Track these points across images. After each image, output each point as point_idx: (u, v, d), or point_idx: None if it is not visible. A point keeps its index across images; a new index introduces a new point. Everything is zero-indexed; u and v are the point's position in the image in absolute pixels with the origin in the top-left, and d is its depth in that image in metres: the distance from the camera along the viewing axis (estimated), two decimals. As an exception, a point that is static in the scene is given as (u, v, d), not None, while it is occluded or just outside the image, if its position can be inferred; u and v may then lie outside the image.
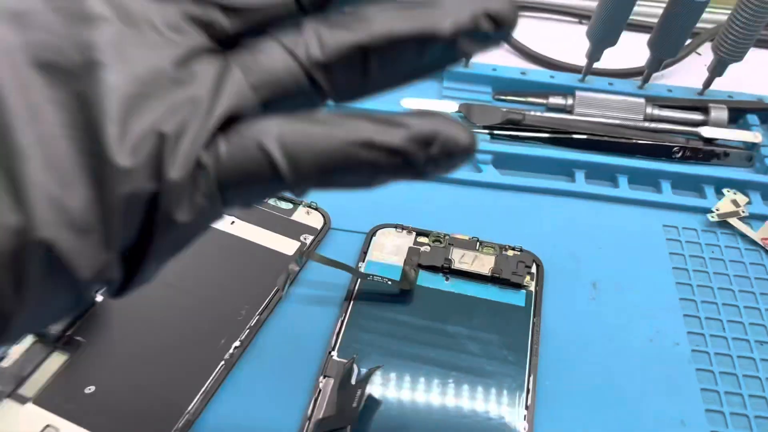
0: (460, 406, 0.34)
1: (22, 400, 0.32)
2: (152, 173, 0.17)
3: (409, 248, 0.41)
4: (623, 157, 0.48)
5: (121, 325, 0.36)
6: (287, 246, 0.41)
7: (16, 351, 0.34)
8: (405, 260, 0.40)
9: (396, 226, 0.42)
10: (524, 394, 0.34)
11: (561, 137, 0.49)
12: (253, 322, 0.36)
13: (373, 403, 0.33)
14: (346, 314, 0.37)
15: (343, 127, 0.18)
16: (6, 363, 0.33)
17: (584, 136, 0.48)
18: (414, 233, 0.42)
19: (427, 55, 0.18)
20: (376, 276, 0.38)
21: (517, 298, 0.39)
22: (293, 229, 0.42)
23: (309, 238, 0.41)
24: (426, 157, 0.18)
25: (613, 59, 0.54)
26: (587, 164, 0.47)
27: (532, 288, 0.40)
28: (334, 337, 0.36)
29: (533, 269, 0.41)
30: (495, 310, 0.38)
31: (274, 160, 0.17)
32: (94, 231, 0.16)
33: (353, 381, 0.33)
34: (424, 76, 0.20)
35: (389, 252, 0.41)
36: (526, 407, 0.34)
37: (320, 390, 0.34)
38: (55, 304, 0.18)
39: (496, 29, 0.18)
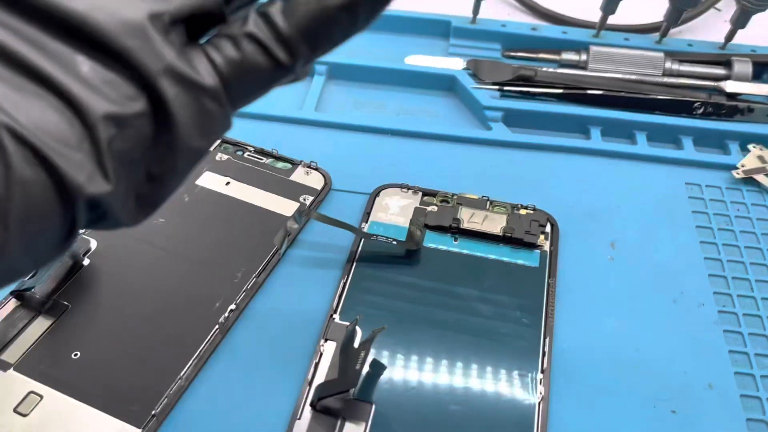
0: (472, 369, 0.32)
1: (4, 366, 0.30)
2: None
3: (415, 209, 0.39)
4: (641, 113, 0.45)
5: (109, 290, 0.34)
6: (286, 207, 0.38)
7: (-1, 316, 0.32)
8: (411, 220, 0.38)
9: (401, 186, 0.40)
10: (540, 357, 0.32)
11: (575, 93, 0.46)
12: (249, 285, 0.34)
13: (377, 367, 0.31)
14: (348, 276, 0.35)
15: None
16: (-14, 328, 0.31)
17: (600, 92, 0.46)
18: (420, 193, 0.40)
19: None
20: (380, 236, 0.36)
21: (530, 259, 0.37)
22: (292, 190, 0.39)
23: (309, 199, 0.39)
24: None
25: (628, 14, 0.51)
26: (603, 120, 0.45)
27: (547, 248, 0.37)
28: (336, 299, 0.34)
29: (547, 228, 0.38)
30: (507, 270, 0.36)
31: (267, 46, 0.18)
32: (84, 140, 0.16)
33: (356, 344, 0.31)
34: None
35: (394, 213, 0.39)
36: (542, 370, 0.32)
37: (321, 354, 0.32)
38: (48, 231, 0.16)
39: None
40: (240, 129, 0.42)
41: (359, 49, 0.51)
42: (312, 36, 0.19)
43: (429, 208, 0.39)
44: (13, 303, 0.33)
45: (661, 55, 0.48)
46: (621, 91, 0.46)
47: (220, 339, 0.32)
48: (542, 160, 0.43)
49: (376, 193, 0.40)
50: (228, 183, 0.39)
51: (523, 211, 0.39)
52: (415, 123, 0.45)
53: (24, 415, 0.29)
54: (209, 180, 0.39)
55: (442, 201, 0.39)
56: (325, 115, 0.45)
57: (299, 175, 0.40)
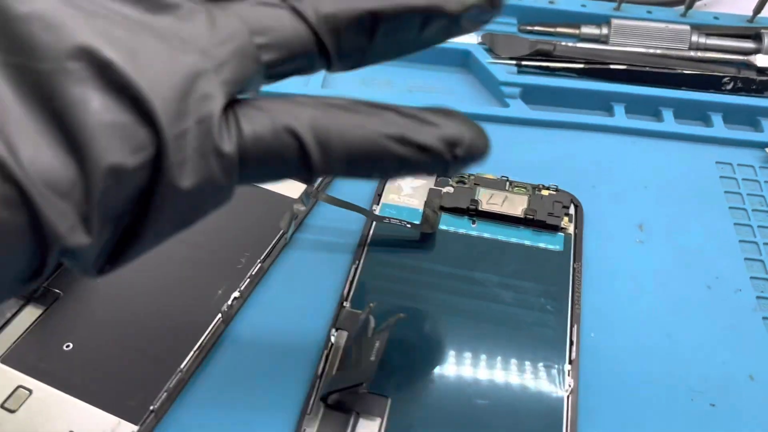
0: (495, 360, 0.29)
1: None
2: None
3: (430, 190, 0.37)
4: (667, 89, 0.43)
5: (103, 277, 0.31)
6: (292, 188, 0.36)
7: (-16, 304, 0.29)
8: (425, 202, 0.35)
9: (414, 166, 0.38)
10: (567, 347, 0.30)
11: (597, 68, 0.43)
12: (254, 271, 0.32)
13: (394, 357, 0.29)
14: (359, 261, 0.33)
15: (376, 118, 0.18)
16: (-28, 317, 0.29)
17: (623, 67, 0.43)
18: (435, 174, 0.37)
19: (430, 28, 0.19)
20: (393, 219, 0.34)
21: (554, 242, 0.34)
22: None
23: (316, 182, 0.37)
24: (452, 157, 0.19)
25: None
26: (627, 97, 0.42)
27: (571, 230, 0.35)
28: (347, 286, 0.32)
29: (571, 210, 0.36)
30: (529, 254, 0.34)
31: (305, 145, 0.17)
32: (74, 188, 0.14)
33: (369, 333, 0.29)
34: (421, 49, 0.20)
35: (407, 194, 0.36)
36: (570, 361, 0.29)
37: (332, 344, 0.29)
38: (13, 271, 0.15)
39: (492, 8, 0.19)
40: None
41: (367, 24, 0.48)
42: (355, 162, 0.18)
43: (444, 189, 0.36)
44: (1, 291, 0.30)
45: (687, 28, 0.45)
46: (645, 66, 0.44)
47: (223, 329, 0.30)
48: (563, 138, 0.41)
49: (388, 174, 0.37)
50: None
51: (545, 192, 0.36)
52: (427, 100, 0.42)
53: (12, 411, 0.26)
54: None
55: (458, 182, 0.37)
56: (332, 92, 0.42)
57: None
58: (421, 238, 0.34)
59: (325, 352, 0.29)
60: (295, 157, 0.17)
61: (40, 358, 0.28)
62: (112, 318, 0.30)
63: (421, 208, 0.35)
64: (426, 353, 0.29)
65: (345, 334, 0.30)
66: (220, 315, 0.30)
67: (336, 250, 0.34)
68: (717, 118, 0.42)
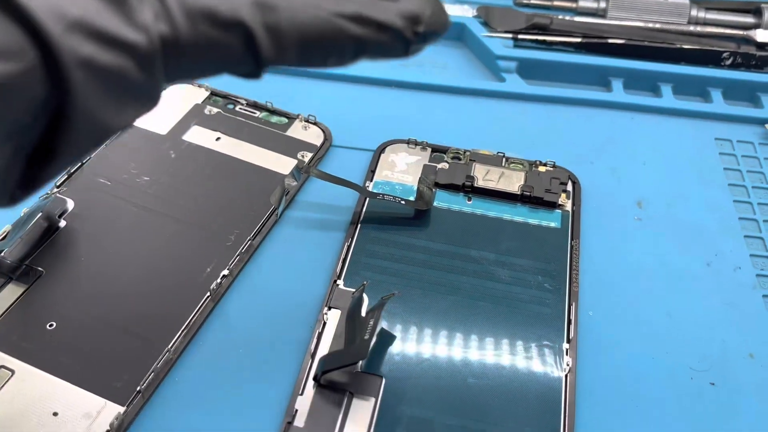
0: (491, 340, 0.29)
1: None
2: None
3: (424, 166, 0.36)
4: (666, 63, 0.42)
5: (88, 254, 0.30)
6: (283, 165, 0.35)
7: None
8: (420, 179, 0.34)
9: (408, 142, 0.37)
10: (565, 326, 0.29)
11: (595, 42, 0.42)
12: (243, 248, 0.31)
13: (387, 337, 0.28)
14: (352, 239, 0.32)
15: None
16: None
17: (621, 41, 0.42)
18: (429, 149, 0.36)
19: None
20: (387, 195, 0.33)
21: (551, 219, 0.33)
22: (289, 146, 0.36)
23: (308, 156, 0.36)
24: (413, 34, 0.18)
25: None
26: (625, 71, 0.41)
27: (569, 207, 0.34)
28: (340, 264, 0.31)
29: (569, 187, 0.35)
30: (526, 232, 0.33)
31: (251, 30, 0.15)
32: None
33: (363, 312, 0.28)
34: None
35: (401, 170, 0.36)
36: (568, 340, 0.29)
37: (325, 323, 0.29)
38: None
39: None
40: (230, 80, 0.39)
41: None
42: (308, 46, 0.17)
43: (439, 166, 0.35)
44: (-21, 268, 0.29)
45: (686, 1, 0.44)
46: (644, 40, 0.43)
47: (212, 307, 0.29)
48: (561, 114, 0.40)
49: (381, 150, 0.36)
50: (218, 138, 0.36)
51: (542, 168, 0.35)
52: (421, 74, 0.41)
53: None
54: (197, 135, 0.36)
55: (453, 158, 0.36)
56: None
57: (296, 130, 0.37)
58: (416, 215, 0.33)
59: (318, 330, 0.28)
60: (238, 45, 0.16)
61: (22, 338, 0.27)
62: (96, 297, 0.29)
63: (415, 184, 0.34)
64: (421, 332, 0.29)
65: (338, 312, 0.29)
66: (208, 294, 0.29)
67: (328, 227, 0.33)
68: (716, 94, 0.41)
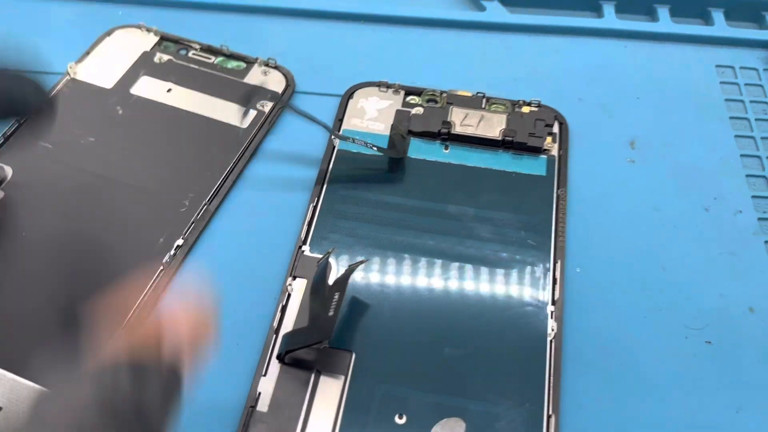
0: (470, 304, 0.26)
1: None
2: None
3: (397, 111, 0.33)
4: (664, -19, 0.38)
5: (29, 228, 0.28)
6: (238, 114, 0.32)
7: None
8: (392, 125, 0.31)
9: (379, 85, 0.33)
10: (550, 286, 0.27)
11: (584, -40, 0.38)
12: (199, 214, 0.28)
13: (357, 307, 0.26)
14: (318, 198, 0.29)
15: None
16: None
17: (613, -42, 0.38)
18: (402, 92, 0.33)
19: None
20: (357, 139, 0.30)
21: (536, 166, 0.31)
22: (247, 94, 0.33)
23: (268, 105, 0.32)
24: None
25: None
26: (618, -6, 0.37)
27: (555, 152, 0.31)
28: (305, 228, 0.28)
29: (555, 128, 0.32)
30: (509, 182, 0.30)
31: None
32: None
33: (330, 281, 0.25)
34: None
35: (371, 117, 0.32)
36: (553, 302, 0.26)
37: (289, 294, 0.26)
38: None
39: None
40: (181, 22, 0.35)
41: None
42: None
43: (413, 111, 0.32)
44: None
45: None
46: (638, -44, 0.38)
47: (166, 282, 0.27)
48: (547, 44, 0.36)
49: (350, 95, 0.33)
50: (170, 90, 0.33)
51: (525, 109, 0.32)
52: (391, 5, 0.37)
53: None
54: (147, 87, 0.33)
55: (428, 101, 0.33)
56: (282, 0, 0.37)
57: (255, 76, 0.34)
58: (389, 167, 0.30)
59: (281, 304, 0.26)
60: None
61: None
62: (38, 277, 0.26)
63: (387, 133, 0.31)
64: (394, 300, 0.26)
65: (303, 282, 0.27)
66: (161, 268, 0.27)
67: (291, 187, 0.30)
68: (718, 15, 0.38)
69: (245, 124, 0.30)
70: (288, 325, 0.26)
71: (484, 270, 0.27)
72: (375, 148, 0.30)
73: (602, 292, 0.27)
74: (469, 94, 0.33)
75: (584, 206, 0.30)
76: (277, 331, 0.25)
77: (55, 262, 0.27)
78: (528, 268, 0.27)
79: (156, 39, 0.35)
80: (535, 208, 0.29)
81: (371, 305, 0.26)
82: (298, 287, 0.27)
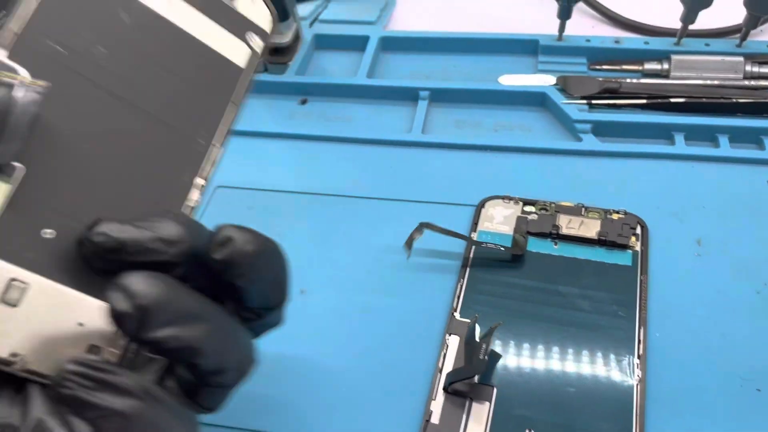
0: (576, 356, 0.37)
1: None
2: None
3: (518, 217, 0.45)
4: (723, 116, 0.49)
5: (65, 148, 0.24)
6: (233, 49, 0.29)
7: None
8: (515, 228, 0.44)
9: (503, 198, 0.46)
10: (636, 345, 0.37)
11: (658, 102, 0.50)
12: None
13: (495, 356, 0.37)
14: (464, 279, 0.41)
15: None
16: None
17: (682, 99, 0.50)
18: (521, 203, 0.45)
19: None
20: (489, 243, 0.42)
21: (623, 258, 0.42)
22: (237, 24, 0.29)
23: (255, 38, 0.30)
24: None
25: (709, 18, 0.54)
26: (686, 126, 0.48)
27: (638, 248, 0.42)
28: (456, 299, 0.40)
29: (638, 230, 0.43)
30: (603, 270, 0.41)
31: None
32: None
33: (477, 337, 0.37)
34: None
35: (499, 222, 0.45)
36: (638, 356, 0.37)
37: (447, 346, 0.38)
38: None
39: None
40: (354, 152, 0.49)
41: (456, 71, 0.57)
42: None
43: (530, 217, 0.44)
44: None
45: (740, 59, 0.51)
46: (703, 96, 0.50)
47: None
48: (630, 166, 0.48)
49: (482, 205, 0.46)
50: (171, 1, 0.28)
51: (615, 216, 0.44)
52: (511, 138, 0.50)
53: (13, 306, 0.21)
54: None
55: (541, 209, 0.45)
56: (431, 137, 0.51)
57: (244, 3, 0.30)
58: (513, 258, 0.42)
59: (443, 351, 0.38)
60: None
61: (23, 245, 0.22)
62: (86, 202, 0.24)
63: (510, 233, 0.43)
64: (521, 351, 0.38)
65: (456, 338, 0.39)
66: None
67: (443, 270, 0.42)
68: (768, 141, 0.48)
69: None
70: (448, 367, 0.37)
71: (585, 332, 0.38)
72: (503, 249, 0.42)
73: (676, 351, 0.37)
74: (572, 204, 0.44)
75: (661, 288, 0.40)
76: (441, 370, 0.37)
77: (97, 190, 0.24)
78: (619, 332, 0.38)
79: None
80: (624, 289, 0.40)
81: (505, 354, 0.38)
82: (453, 341, 0.39)
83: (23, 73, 0.23)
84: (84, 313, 0.23)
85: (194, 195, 0.27)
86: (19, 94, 0.21)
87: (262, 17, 0.31)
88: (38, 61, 0.24)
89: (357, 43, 0.58)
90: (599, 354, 0.37)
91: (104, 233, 0.22)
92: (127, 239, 0.22)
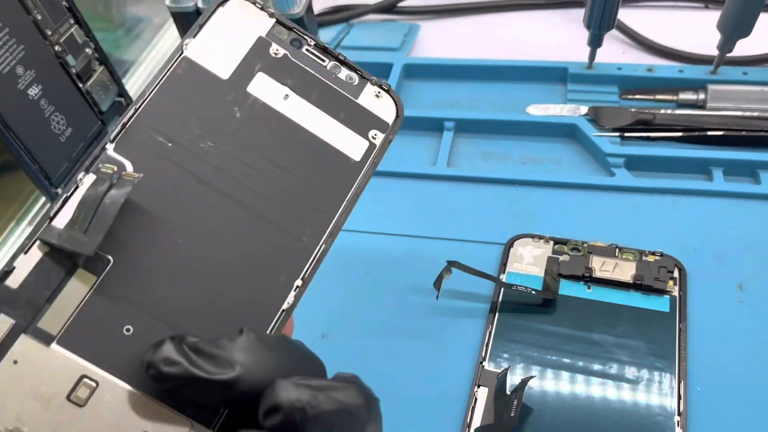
0: (612, 413, 0.35)
1: (44, 338, 0.22)
2: None
3: (548, 258, 0.43)
4: (764, 151, 0.46)
5: (155, 240, 0.24)
6: (353, 145, 0.28)
7: (23, 264, 0.22)
8: (546, 270, 0.42)
9: (533, 236, 0.44)
10: (676, 401, 0.35)
11: (695, 135, 0.48)
12: (318, 254, 0.26)
13: (526, 410, 0.36)
14: (492, 325, 0.40)
15: None
16: (14, 282, 0.22)
17: (720, 132, 0.48)
18: (551, 242, 0.43)
19: None
20: (520, 286, 0.40)
21: (661, 304, 0.40)
22: (360, 119, 0.28)
23: (380, 136, 0.28)
24: None
25: (746, 45, 0.52)
26: (725, 161, 0.46)
27: (676, 293, 0.40)
28: (484, 348, 0.38)
29: (675, 274, 0.41)
30: (639, 316, 0.39)
31: None
32: None
33: (507, 391, 0.35)
34: None
35: (528, 263, 0.43)
36: (679, 413, 0.35)
37: (476, 399, 0.36)
38: None
39: None
40: (376, 186, 0.48)
41: (482, 99, 0.55)
42: None
43: (561, 258, 0.42)
44: (39, 249, 0.22)
45: (781, 89, 0.49)
46: (742, 129, 0.48)
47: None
48: (666, 203, 0.46)
49: (510, 244, 0.44)
50: (287, 97, 0.27)
51: (651, 258, 0.41)
52: (540, 172, 0.49)
53: (80, 406, 0.21)
54: (264, 88, 0.27)
55: (572, 249, 0.43)
56: (456, 170, 0.49)
57: (368, 97, 0.29)
58: (544, 302, 0.40)
59: (471, 405, 0.36)
60: None
61: (101, 341, 0.22)
62: (170, 299, 0.24)
63: (541, 274, 0.42)
64: (553, 405, 0.36)
65: (485, 390, 0.37)
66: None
67: (470, 314, 0.41)
68: (812, 178, 0.45)
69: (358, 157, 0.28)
70: (476, 422, 0.36)
71: (622, 385, 0.36)
72: (534, 292, 0.40)
73: (721, 406, 0.35)
74: (605, 245, 0.42)
75: (702, 337, 0.38)
76: (469, 425, 0.35)
77: (183, 286, 0.24)
78: (658, 386, 0.36)
79: (272, 22, 0.28)
80: (661, 337, 0.38)
81: (536, 408, 0.36)
82: (482, 394, 0.37)
83: (128, 166, 0.24)
84: (150, 419, 0.22)
85: (291, 297, 0.25)
86: (113, 190, 0.23)
87: (387, 111, 0.29)
88: (141, 153, 0.25)
89: (380, 71, 0.57)
90: (637, 411, 0.35)
91: (157, 369, 0.20)
92: (182, 377, 0.21)
